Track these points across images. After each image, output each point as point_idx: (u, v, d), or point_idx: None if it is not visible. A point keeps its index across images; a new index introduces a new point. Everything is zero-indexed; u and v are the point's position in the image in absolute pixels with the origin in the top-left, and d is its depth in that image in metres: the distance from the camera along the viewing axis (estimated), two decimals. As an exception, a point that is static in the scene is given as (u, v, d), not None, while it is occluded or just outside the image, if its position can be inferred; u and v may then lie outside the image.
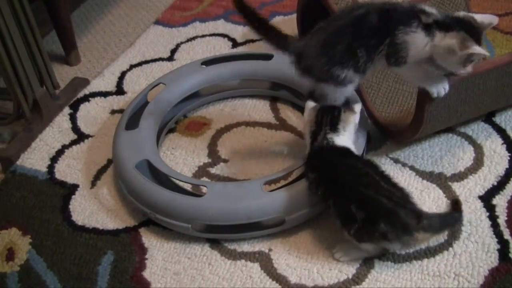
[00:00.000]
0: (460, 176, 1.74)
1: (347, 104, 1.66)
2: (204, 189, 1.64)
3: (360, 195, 1.47)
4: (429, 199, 1.68)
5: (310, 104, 1.65)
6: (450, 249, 1.54)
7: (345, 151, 1.59)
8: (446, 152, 1.81)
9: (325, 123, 1.60)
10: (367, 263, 1.53)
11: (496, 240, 1.56)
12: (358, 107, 1.66)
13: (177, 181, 1.73)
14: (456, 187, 1.70)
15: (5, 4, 1.85)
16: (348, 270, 1.53)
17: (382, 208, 1.45)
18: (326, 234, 1.62)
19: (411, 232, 1.45)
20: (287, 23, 2.49)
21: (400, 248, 1.53)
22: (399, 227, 1.45)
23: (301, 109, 2.00)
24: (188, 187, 1.75)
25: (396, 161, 1.80)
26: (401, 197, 1.49)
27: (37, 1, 2.31)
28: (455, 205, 1.63)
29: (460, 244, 1.55)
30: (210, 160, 1.89)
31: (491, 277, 1.47)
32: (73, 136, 2.05)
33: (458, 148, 1.82)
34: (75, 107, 2.18)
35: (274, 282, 1.53)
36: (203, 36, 2.51)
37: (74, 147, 2.01)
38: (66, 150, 2.00)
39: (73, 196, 1.83)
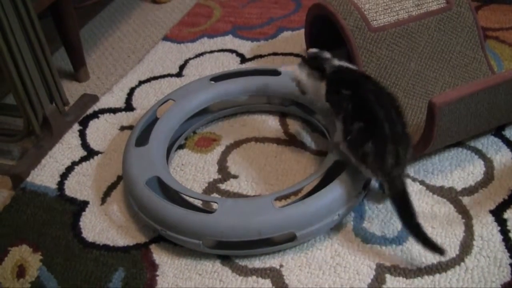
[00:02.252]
0: (470, 191, 1.73)
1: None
2: (215, 206, 1.64)
3: (373, 109, 1.57)
4: (440, 214, 1.67)
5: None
6: (462, 264, 1.53)
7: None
8: (456, 167, 1.81)
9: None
10: (379, 279, 1.52)
11: (508, 254, 1.54)
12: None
13: (187, 198, 1.73)
14: (467, 201, 1.70)
15: (15, 20, 1.86)
16: (359, 286, 1.52)
17: (380, 132, 1.53)
18: (339, 250, 1.61)
19: (382, 168, 1.51)
20: (295, 39, 2.50)
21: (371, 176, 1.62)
22: (378, 156, 1.52)
23: (310, 125, 2.00)
24: (198, 203, 1.75)
25: (406, 176, 1.79)
26: (400, 136, 1.55)
27: (46, 18, 2.32)
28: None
29: (471, 259, 1.54)
30: (220, 176, 1.89)
31: (503, 292, 1.47)
32: (83, 153, 2.05)
33: (468, 162, 1.81)
34: (84, 123, 2.18)
35: (286, 298, 1.53)
36: (211, 52, 2.52)
37: (83, 163, 2.01)
38: (75, 167, 2.00)
39: (83, 213, 1.83)
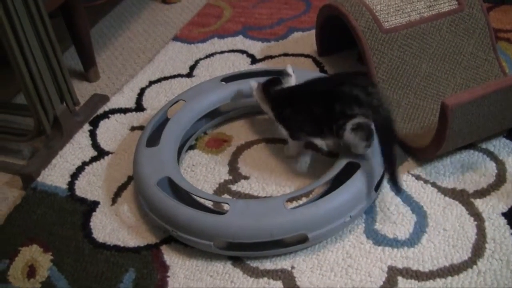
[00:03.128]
0: (482, 193, 1.72)
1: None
2: (226, 207, 1.64)
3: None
4: (452, 216, 1.66)
5: (254, 84, 1.88)
6: (474, 267, 1.53)
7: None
8: (468, 169, 1.80)
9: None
10: (391, 281, 1.52)
11: (521, 257, 1.54)
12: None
13: (198, 199, 1.73)
14: (479, 203, 1.69)
15: (26, 19, 1.86)
16: (371, 288, 1.52)
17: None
18: (350, 252, 1.61)
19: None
20: (305, 39, 2.49)
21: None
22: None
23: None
24: (209, 204, 1.74)
25: (418, 178, 1.79)
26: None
27: (56, 17, 2.31)
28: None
29: (484, 261, 1.54)
30: (231, 177, 1.89)
31: (516, 295, 1.46)
32: (93, 153, 2.06)
33: (480, 165, 1.81)
34: (94, 123, 2.18)
35: (297, 300, 1.53)
36: (221, 52, 2.51)
37: (94, 163, 2.01)
38: (86, 167, 2.00)
39: (93, 213, 1.83)
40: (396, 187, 1.63)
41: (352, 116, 1.61)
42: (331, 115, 1.65)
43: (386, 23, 1.95)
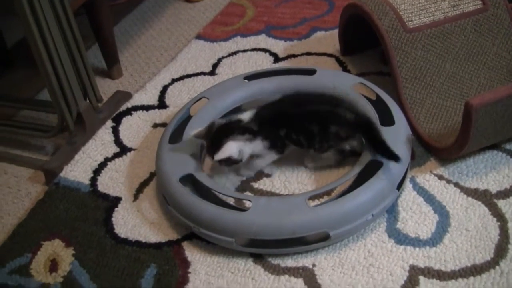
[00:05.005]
0: (505, 194, 1.71)
1: None
2: (248, 204, 1.64)
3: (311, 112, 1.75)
4: (475, 217, 1.65)
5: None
6: (497, 267, 1.51)
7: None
8: (491, 169, 1.79)
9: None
10: (412, 280, 1.51)
11: (543, 258, 1.53)
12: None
13: (221, 196, 1.72)
14: (502, 204, 1.68)
15: (52, 17, 1.87)
16: (392, 287, 1.51)
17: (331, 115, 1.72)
18: (372, 250, 1.60)
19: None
20: (328, 39, 2.49)
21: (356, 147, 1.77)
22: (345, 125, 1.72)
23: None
24: (231, 201, 1.75)
25: (441, 177, 1.78)
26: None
27: (80, 15, 2.33)
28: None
29: (507, 262, 1.52)
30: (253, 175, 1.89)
31: (538, 296, 1.45)
32: (116, 149, 2.07)
33: (503, 165, 1.79)
34: (117, 120, 2.19)
35: (318, 298, 1.52)
36: (244, 51, 2.52)
37: (116, 160, 2.02)
38: (108, 163, 2.01)
39: (115, 209, 1.84)
40: (392, 155, 1.64)
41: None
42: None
43: (410, 22, 1.94)
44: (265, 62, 2.41)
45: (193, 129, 1.81)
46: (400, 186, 1.68)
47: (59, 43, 1.92)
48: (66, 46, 1.96)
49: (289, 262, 1.61)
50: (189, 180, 1.74)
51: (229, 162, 1.73)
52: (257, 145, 1.76)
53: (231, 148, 1.69)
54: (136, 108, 2.25)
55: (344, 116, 1.71)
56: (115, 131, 2.15)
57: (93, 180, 1.95)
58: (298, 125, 1.76)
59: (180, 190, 1.67)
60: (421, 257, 1.57)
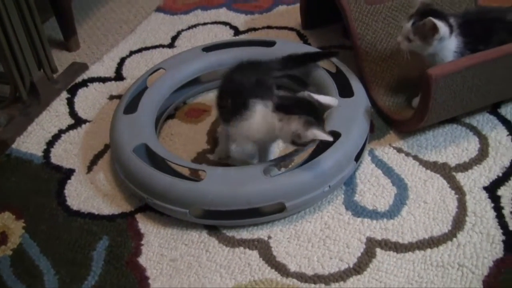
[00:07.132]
0: (464, 167, 1.70)
1: None
2: (203, 174, 1.61)
3: None
4: (433, 189, 1.64)
5: None
6: (454, 239, 1.51)
7: None
8: (451, 143, 1.78)
9: None
10: (369, 253, 1.50)
11: (501, 231, 1.52)
12: None
13: (175, 166, 1.69)
14: (461, 177, 1.67)
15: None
16: (349, 259, 1.49)
17: None
18: (329, 223, 1.59)
19: None
20: (290, 13, 2.47)
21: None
22: None
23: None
24: (186, 172, 1.71)
25: (400, 150, 1.76)
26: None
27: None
28: None
29: (464, 234, 1.52)
30: (209, 147, 1.86)
31: (496, 268, 1.44)
32: (70, 121, 2.02)
33: (462, 139, 1.78)
34: (73, 91, 2.15)
35: (273, 270, 1.49)
36: (204, 24, 2.49)
37: (71, 131, 1.98)
38: (62, 135, 1.97)
39: (68, 181, 1.80)
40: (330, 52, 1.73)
41: None
42: None
43: (371, -6, 1.92)
44: (225, 35, 2.38)
45: (149, 100, 1.79)
46: (358, 157, 1.66)
47: (12, 11, 1.87)
48: (19, 15, 1.92)
49: (244, 234, 1.58)
50: (143, 151, 1.69)
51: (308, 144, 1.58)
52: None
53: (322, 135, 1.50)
54: (92, 79, 2.20)
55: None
56: (70, 102, 2.10)
57: (46, 152, 1.91)
58: None
59: (133, 160, 1.63)
60: (379, 229, 1.55)
